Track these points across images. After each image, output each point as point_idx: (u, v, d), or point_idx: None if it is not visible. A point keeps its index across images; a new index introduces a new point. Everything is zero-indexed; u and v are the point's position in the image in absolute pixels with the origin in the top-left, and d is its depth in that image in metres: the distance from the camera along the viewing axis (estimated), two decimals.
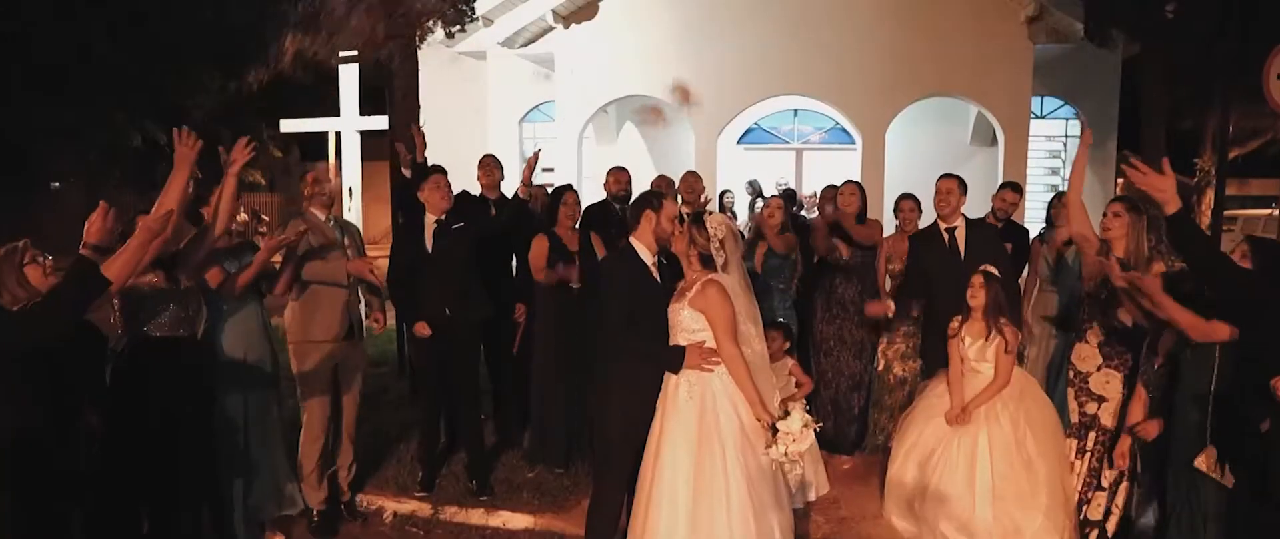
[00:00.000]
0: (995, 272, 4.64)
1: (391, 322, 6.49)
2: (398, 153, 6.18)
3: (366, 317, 5.32)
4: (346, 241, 4.98)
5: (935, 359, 5.12)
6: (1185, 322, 3.62)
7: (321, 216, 4.91)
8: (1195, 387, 3.69)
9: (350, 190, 10.03)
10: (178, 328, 3.91)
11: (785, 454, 3.58)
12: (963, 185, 5.58)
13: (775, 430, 3.60)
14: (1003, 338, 4.50)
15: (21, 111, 20.65)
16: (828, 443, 5.57)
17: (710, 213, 4.15)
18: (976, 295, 4.58)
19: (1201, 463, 3.62)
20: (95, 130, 21.91)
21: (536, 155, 5.42)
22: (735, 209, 11.94)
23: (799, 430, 3.59)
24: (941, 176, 5.59)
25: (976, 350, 4.59)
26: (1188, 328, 3.63)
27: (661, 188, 6.67)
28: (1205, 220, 22.73)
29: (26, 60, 20.17)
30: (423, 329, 5.10)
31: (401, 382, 7.98)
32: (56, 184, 25.64)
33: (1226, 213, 20.35)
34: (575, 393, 5.48)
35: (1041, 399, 4.71)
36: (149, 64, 20.92)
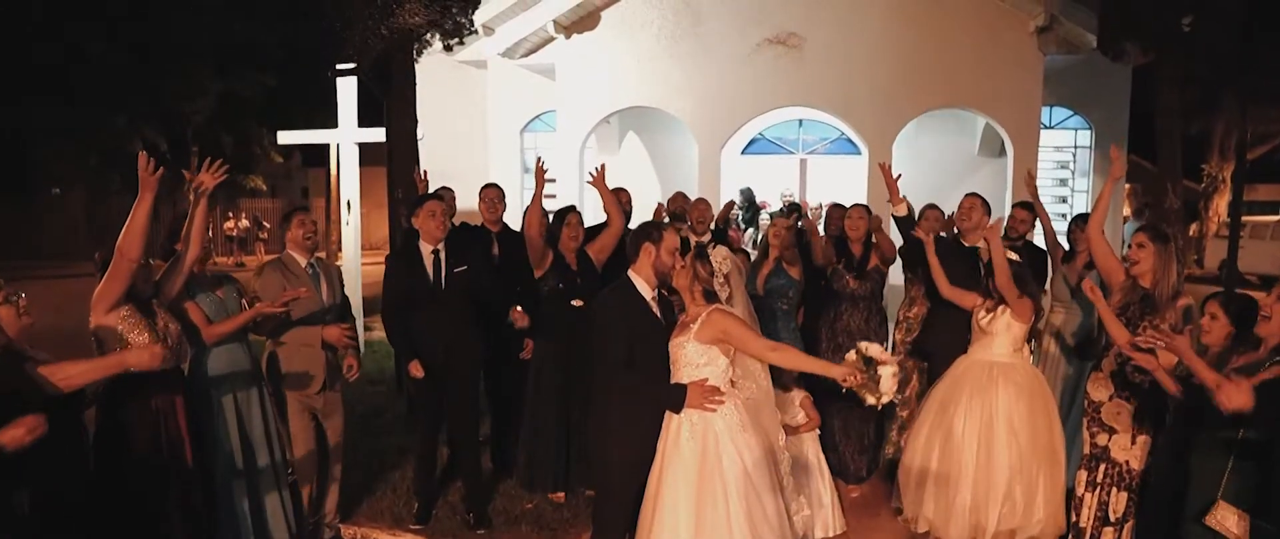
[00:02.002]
0: (1014, 257, 4.71)
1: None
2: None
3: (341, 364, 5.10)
4: (325, 287, 4.80)
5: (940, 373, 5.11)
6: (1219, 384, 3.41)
7: (302, 261, 4.73)
8: (1223, 429, 3.51)
9: (348, 203, 9.90)
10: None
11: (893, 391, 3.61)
12: (986, 206, 5.49)
13: (871, 363, 3.58)
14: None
15: (22, 115, 20.68)
16: (837, 473, 5.43)
17: (713, 246, 4.02)
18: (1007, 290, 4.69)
19: (1216, 522, 3.42)
20: (95, 135, 21.94)
21: (542, 170, 5.25)
22: (741, 222, 11.80)
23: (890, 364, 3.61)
24: (967, 194, 5.51)
25: (988, 321, 4.71)
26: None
27: (679, 204, 6.52)
28: (1213, 226, 22.70)
29: (27, 63, 20.22)
30: (416, 370, 4.93)
31: (399, 401, 7.85)
32: (56, 189, 25.69)
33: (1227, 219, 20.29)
34: (573, 414, 5.30)
35: (1052, 408, 4.74)
36: (148, 67, 20.95)
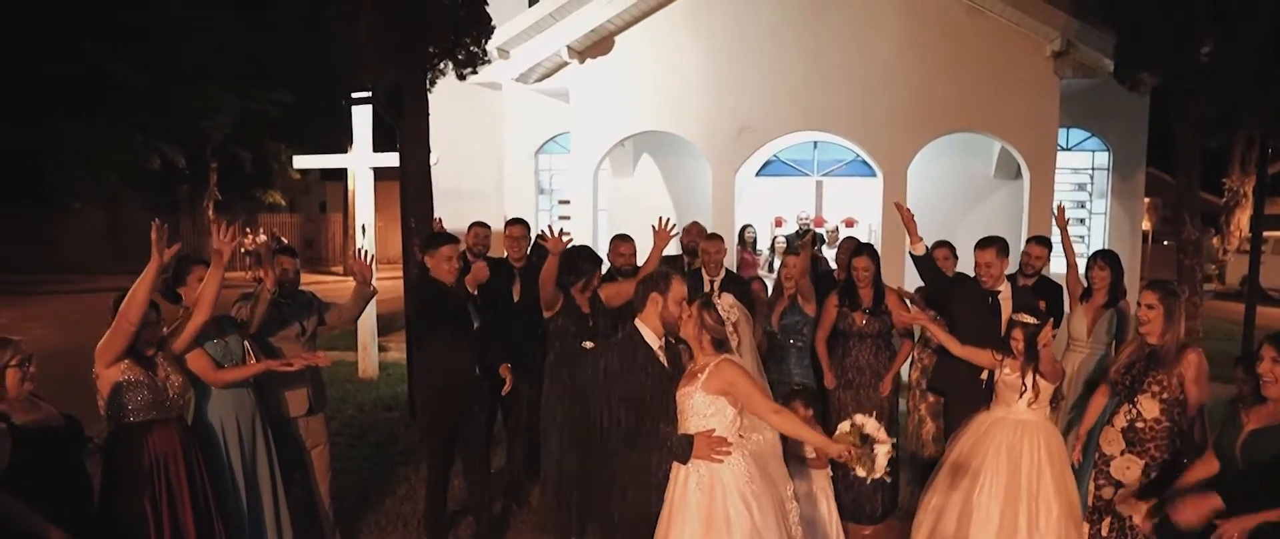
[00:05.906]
0: (1031, 320, 4.53)
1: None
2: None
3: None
4: (309, 320, 5.11)
5: (957, 419, 5.05)
6: None
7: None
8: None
9: (363, 227, 9.95)
10: (153, 412, 3.80)
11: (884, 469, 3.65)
12: (1002, 249, 5.39)
13: (866, 440, 3.58)
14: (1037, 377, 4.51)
15: (43, 133, 20.92)
16: (848, 513, 5.38)
17: (720, 295, 3.99)
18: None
19: None
20: (114, 151, 22.16)
21: (560, 237, 5.08)
22: (758, 245, 11.72)
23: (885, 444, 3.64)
24: (979, 247, 5.41)
25: (1011, 381, 4.56)
26: None
27: (694, 235, 6.47)
28: (1234, 241, 22.46)
29: (47, 81, 20.46)
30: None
31: (412, 430, 7.81)
32: (77, 204, 25.93)
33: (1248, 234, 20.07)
34: (581, 458, 5.27)
35: (1070, 475, 4.57)
36: (167, 86, 21.15)
